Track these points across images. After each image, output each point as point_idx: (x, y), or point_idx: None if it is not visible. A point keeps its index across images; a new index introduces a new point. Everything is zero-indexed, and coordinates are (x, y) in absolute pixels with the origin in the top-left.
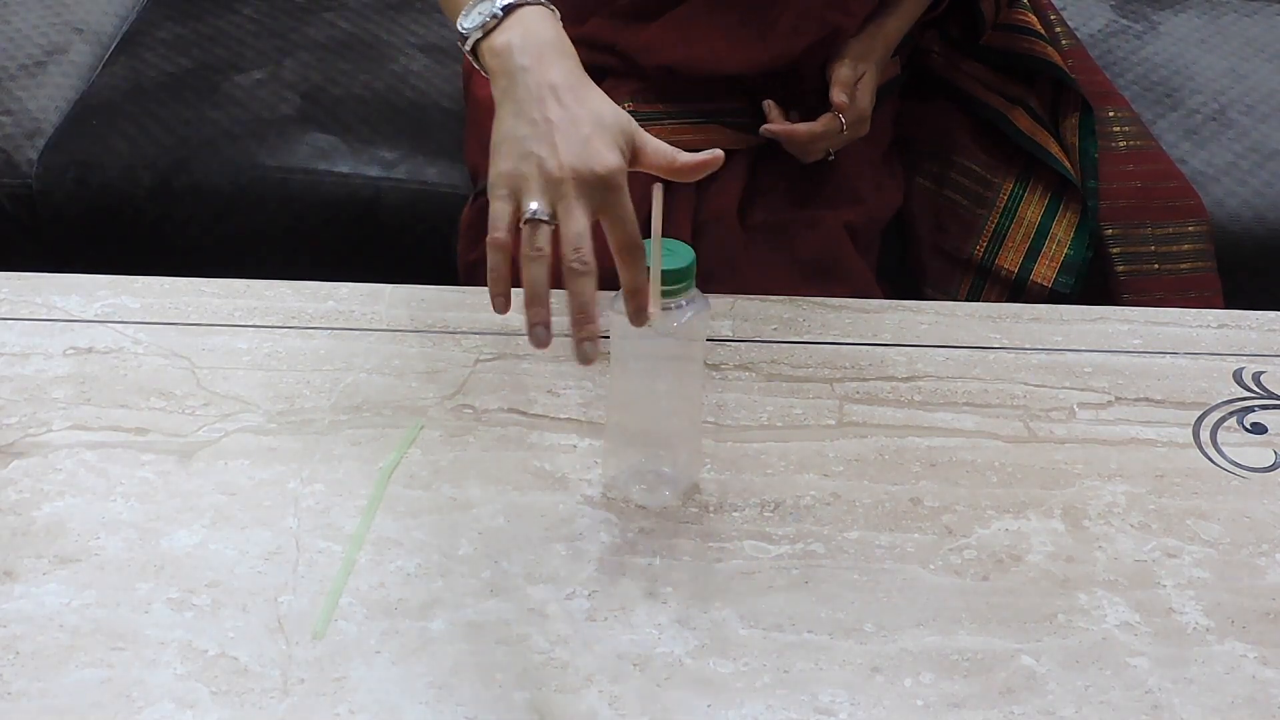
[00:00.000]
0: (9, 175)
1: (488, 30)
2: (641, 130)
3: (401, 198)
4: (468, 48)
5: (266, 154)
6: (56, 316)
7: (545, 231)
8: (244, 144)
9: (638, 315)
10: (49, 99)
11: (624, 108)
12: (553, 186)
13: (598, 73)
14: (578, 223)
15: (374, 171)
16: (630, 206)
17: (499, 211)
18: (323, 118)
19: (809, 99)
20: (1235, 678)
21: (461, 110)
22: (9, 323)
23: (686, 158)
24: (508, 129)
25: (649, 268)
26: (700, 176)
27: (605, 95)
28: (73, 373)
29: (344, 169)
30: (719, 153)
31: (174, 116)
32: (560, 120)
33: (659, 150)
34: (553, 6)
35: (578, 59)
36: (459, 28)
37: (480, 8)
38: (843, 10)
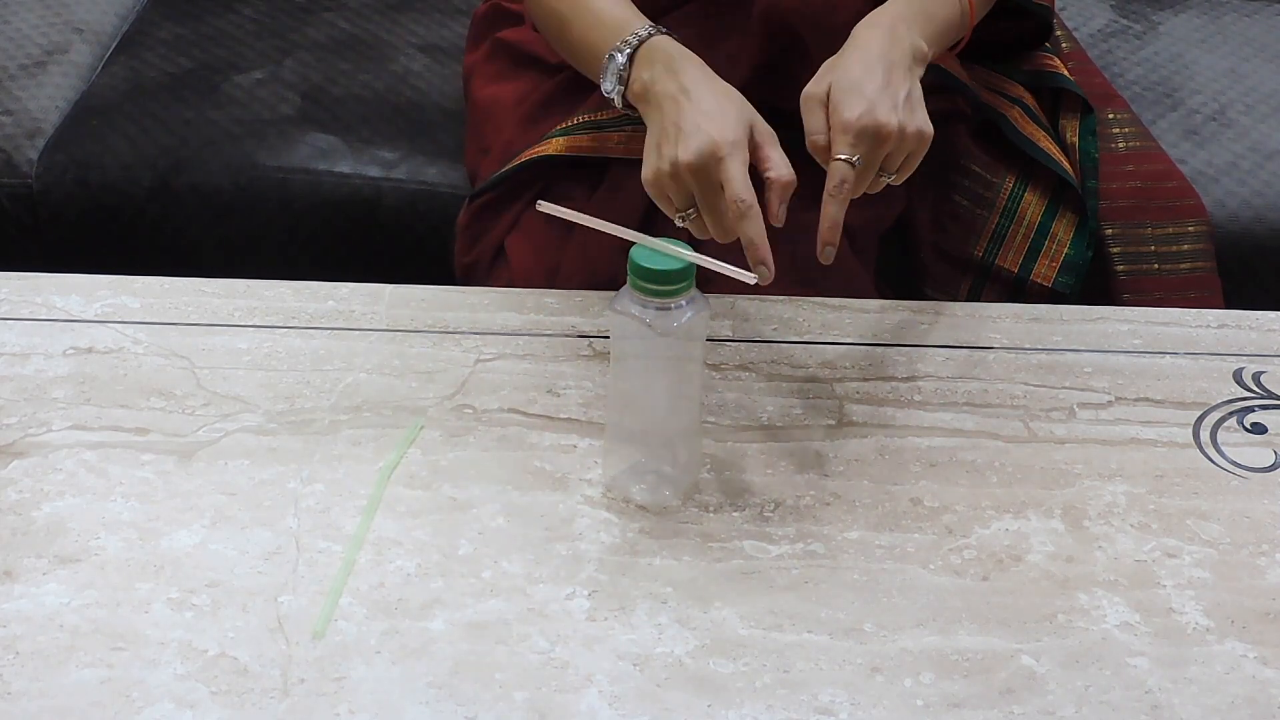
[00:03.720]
0: (9, 175)
1: (624, 81)
2: (758, 120)
3: (401, 198)
4: (619, 105)
5: (266, 154)
6: (56, 316)
7: (696, 224)
8: (244, 144)
9: (756, 269)
10: (49, 99)
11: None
12: (678, 185)
13: None
14: (713, 206)
15: (374, 171)
16: (733, 172)
17: (664, 208)
18: (323, 118)
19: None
20: (1235, 678)
21: (462, 111)
22: (9, 323)
23: (768, 182)
24: (650, 139)
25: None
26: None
27: (728, 89)
28: (73, 373)
29: (344, 169)
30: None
31: (174, 116)
32: (681, 121)
33: (759, 148)
34: (662, 29)
35: (700, 62)
36: (603, 91)
37: (610, 67)
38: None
